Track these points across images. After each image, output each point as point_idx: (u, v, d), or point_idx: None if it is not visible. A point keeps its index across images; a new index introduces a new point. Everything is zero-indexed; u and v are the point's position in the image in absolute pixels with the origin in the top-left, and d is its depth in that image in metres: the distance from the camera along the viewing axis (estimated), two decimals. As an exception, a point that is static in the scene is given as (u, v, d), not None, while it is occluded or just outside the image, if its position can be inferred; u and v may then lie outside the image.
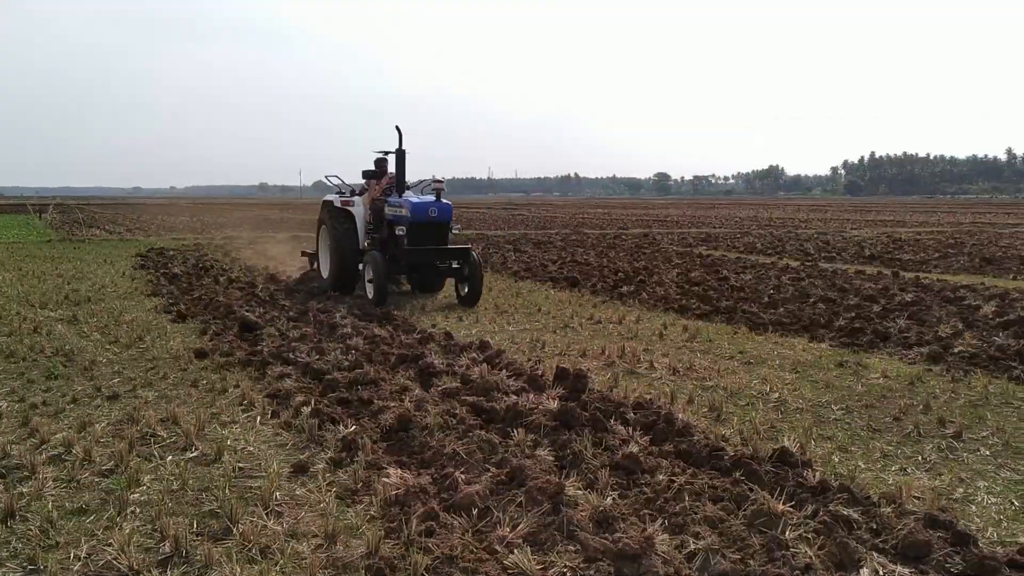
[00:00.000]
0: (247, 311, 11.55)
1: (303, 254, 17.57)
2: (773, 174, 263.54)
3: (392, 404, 6.66)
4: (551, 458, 5.46)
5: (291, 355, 8.63)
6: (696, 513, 4.49)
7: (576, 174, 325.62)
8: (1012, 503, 4.90)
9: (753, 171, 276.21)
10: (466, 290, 13.33)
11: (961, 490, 5.12)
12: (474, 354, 8.61)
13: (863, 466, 5.53)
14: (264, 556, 4.08)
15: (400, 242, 13.43)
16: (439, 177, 13.51)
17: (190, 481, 5.10)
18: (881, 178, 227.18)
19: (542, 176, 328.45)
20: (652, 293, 14.23)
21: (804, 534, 4.22)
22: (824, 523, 4.34)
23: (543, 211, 63.07)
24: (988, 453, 5.83)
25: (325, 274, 14.89)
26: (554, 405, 6.39)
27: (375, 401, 6.80)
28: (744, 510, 4.53)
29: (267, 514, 4.57)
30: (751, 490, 4.76)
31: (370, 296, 13.08)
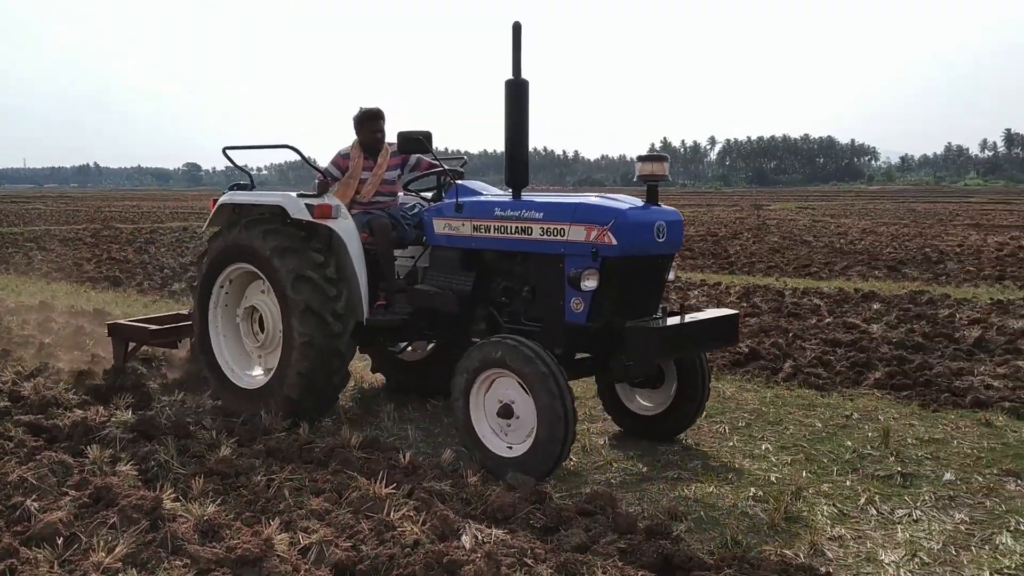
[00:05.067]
0: None
1: (112, 331, 7.71)
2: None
3: (-77, 434, 5.73)
4: (135, 472, 5.12)
5: None
6: (302, 508, 4.53)
7: (96, 164, 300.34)
8: (571, 458, 5.64)
9: (286, 162, 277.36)
10: (672, 404, 6.05)
11: (528, 453, 5.76)
12: (19, 367, 7.69)
13: (441, 441, 5.97)
14: None
15: (562, 305, 5.50)
16: (656, 151, 6.28)
17: None
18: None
19: (56, 166, 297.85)
20: (206, 289, 13.74)
21: (407, 513, 4.46)
22: (422, 499, 4.64)
23: (61, 204, 57.14)
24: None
25: (241, 379, 6.64)
26: (129, 416, 5.98)
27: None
28: (347, 498, 4.67)
29: None
30: (350, 478, 4.92)
31: (499, 453, 5.33)
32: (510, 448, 5.28)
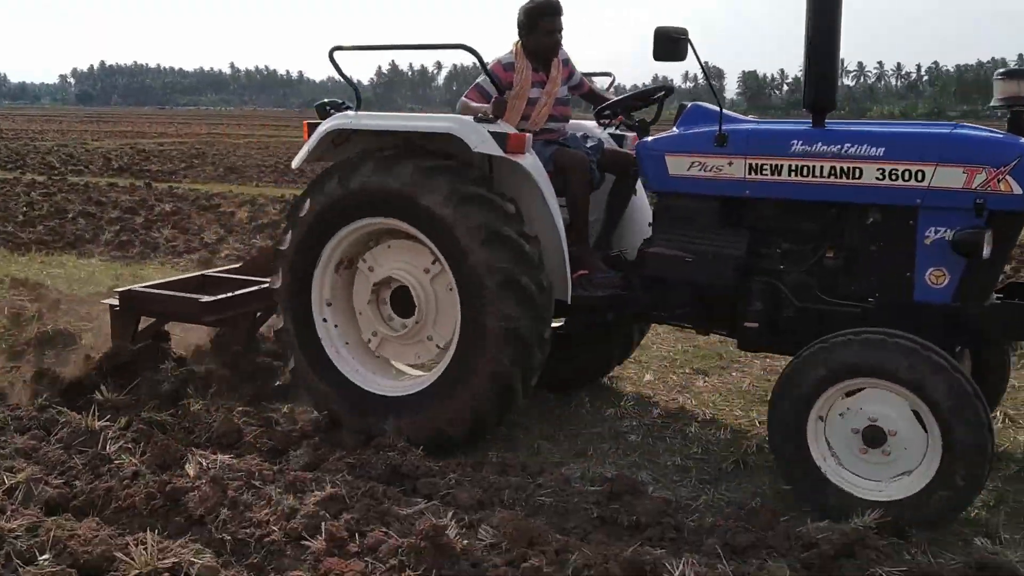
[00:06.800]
0: None
1: (124, 302, 5.46)
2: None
3: None
4: None
5: None
6: (5, 448, 4.23)
7: None
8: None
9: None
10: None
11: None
12: None
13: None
14: None
15: (911, 277, 4.01)
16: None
17: None
18: (113, 88, 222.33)
19: None
20: None
21: (125, 445, 4.29)
22: (141, 431, 4.49)
23: None
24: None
25: (372, 383, 4.72)
26: None
27: None
28: (56, 434, 4.42)
29: None
30: (60, 413, 4.66)
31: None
32: (877, 487, 3.74)
